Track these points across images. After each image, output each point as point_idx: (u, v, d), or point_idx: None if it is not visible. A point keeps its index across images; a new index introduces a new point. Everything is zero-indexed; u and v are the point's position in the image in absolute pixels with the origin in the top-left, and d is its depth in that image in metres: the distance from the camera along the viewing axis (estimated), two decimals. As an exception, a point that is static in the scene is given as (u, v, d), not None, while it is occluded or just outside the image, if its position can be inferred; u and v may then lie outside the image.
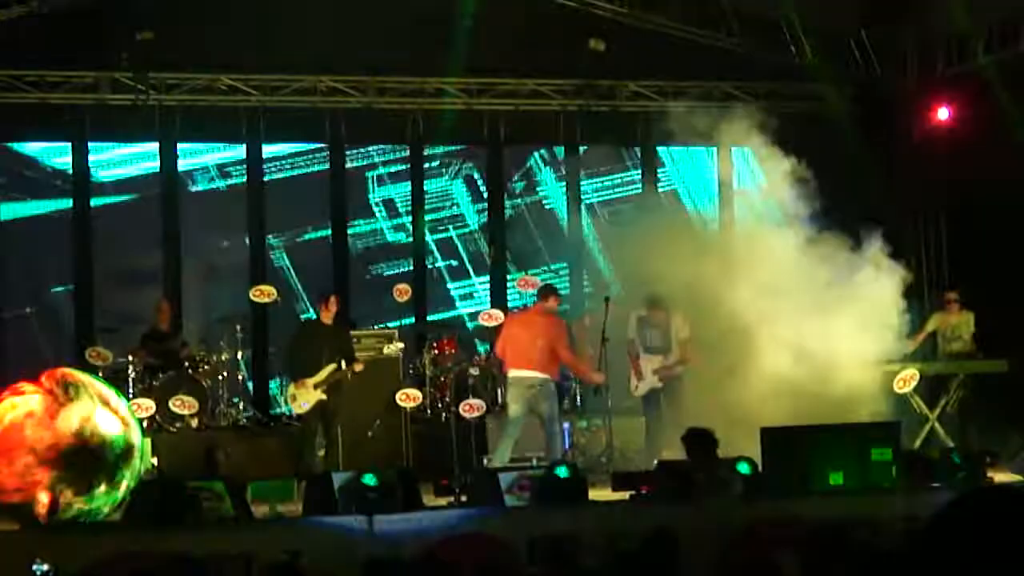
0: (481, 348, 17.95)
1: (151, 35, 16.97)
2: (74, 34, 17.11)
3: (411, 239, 19.05)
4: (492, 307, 17.67)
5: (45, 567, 8.84)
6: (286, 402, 15.49)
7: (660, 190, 19.45)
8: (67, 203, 18.15)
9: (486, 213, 19.36)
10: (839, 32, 18.58)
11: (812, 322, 14.41)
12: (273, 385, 18.19)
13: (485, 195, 19.45)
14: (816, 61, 18.47)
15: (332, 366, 14.70)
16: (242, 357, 16.91)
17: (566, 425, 16.10)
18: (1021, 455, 12.73)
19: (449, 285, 19.40)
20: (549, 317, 14.33)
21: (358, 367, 14.88)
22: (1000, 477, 12.26)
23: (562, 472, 11.42)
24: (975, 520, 3.00)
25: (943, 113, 18.08)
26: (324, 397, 14.67)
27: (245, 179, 18.61)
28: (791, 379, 14.12)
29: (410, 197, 19.10)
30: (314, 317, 16.05)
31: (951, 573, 2.96)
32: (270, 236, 18.70)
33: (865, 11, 18.19)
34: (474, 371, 16.43)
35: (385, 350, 15.70)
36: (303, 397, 14.70)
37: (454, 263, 19.44)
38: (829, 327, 14.40)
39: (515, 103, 18.94)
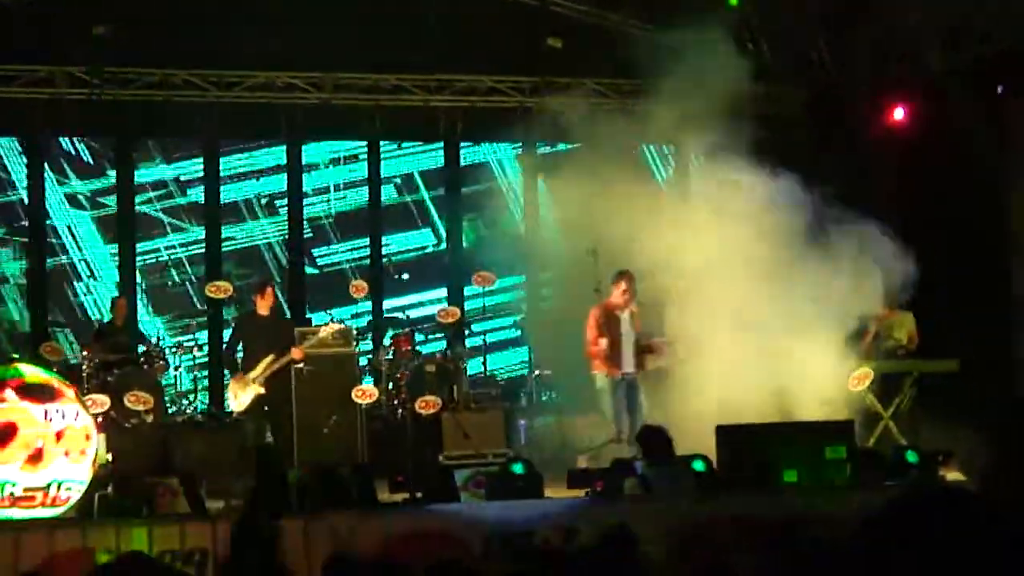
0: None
1: (106, 29, 16.87)
2: (29, 28, 17.00)
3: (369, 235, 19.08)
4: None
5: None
6: (227, 400, 14.97)
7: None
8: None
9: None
10: (795, 32, 18.62)
11: (771, 320, 14.45)
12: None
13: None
14: (772, 60, 18.52)
15: (270, 357, 14.34)
16: (198, 353, 16.82)
17: (522, 422, 16.12)
18: (972, 456, 12.80)
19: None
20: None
21: (296, 354, 14.56)
22: (952, 476, 12.35)
23: (517, 468, 11.45)
24: (913, 520, 3.02)
25: (898, 113, 18.17)
26: (262, 391, 14.29)
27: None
28: (747, 376, 14.14)
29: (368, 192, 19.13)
30: (251, 310, 15.22)
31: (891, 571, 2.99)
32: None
33: (821, 12, 18.23)
34: (430, 368, 16.41)
35: (322, 332, 15.06)
36: (242, 392, 14.38)
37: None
38: (788, 325, 14.45)
39: (472, 100, 18.94)
